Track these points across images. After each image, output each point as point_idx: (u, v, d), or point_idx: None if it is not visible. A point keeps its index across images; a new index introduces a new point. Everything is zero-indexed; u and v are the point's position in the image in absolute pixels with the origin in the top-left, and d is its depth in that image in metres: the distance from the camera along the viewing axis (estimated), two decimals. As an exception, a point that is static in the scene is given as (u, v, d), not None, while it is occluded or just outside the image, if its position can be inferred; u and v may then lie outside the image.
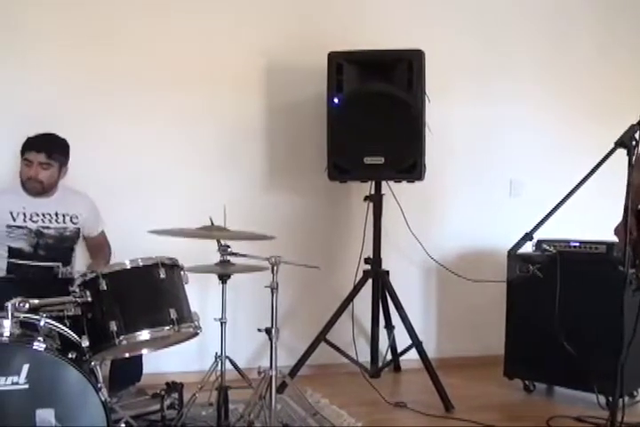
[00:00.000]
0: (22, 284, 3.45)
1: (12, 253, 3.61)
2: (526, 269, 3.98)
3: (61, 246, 3.71)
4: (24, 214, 3.62)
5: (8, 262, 3.62)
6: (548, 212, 3.96)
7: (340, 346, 4.18)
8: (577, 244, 3.93)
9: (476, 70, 4.75)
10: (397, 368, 4.54)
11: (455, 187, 4.75)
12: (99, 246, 3.91)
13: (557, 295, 3.78)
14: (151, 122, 4.20)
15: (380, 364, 4.31)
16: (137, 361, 3.51)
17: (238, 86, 4.36)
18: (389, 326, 4.35)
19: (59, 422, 2.52)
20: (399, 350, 4.33)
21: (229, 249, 3.27)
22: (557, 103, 4.89)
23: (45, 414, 2.51)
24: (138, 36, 4.18)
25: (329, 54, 4.00)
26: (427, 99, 3.97)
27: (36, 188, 3.64)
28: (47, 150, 3.61)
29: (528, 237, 3.96)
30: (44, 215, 3.66)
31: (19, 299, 2.65)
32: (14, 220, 3.60)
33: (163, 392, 3.20)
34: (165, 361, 3.94)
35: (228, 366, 3.34)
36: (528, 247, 4.03)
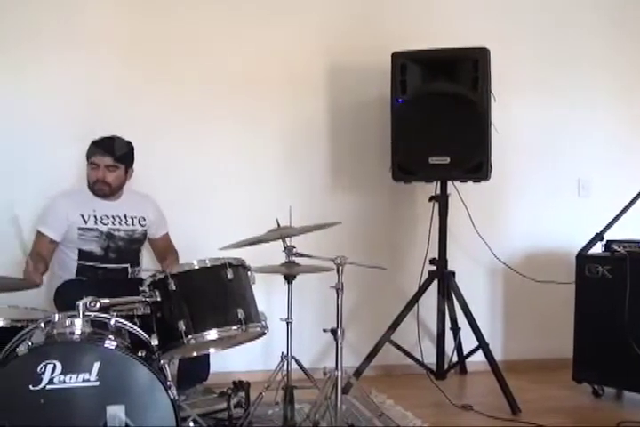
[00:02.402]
0: (93, 284, 3.52)
1: (83, 255, 3.68)
2: (595, 270, 3.91)
3: (131, 248, 3.77)
4: (95, 217, 3.68)
5: (78, 265, 3.68)
6: (618, 212, 3.91)
7: (405, 347, 4.17)
8: (647, 244, 3.84)
9: (543, 69, 4.66)
10: (463, 370, 4.50)
11: (522, 187, 4.68)
12: (164, 248, 3.96)
13: (627, 297, 3.70)
14: (215, 123, 4.25)
15: (446, 365, 4.27)
16: (204, 360, 3.56)
17: (301, 87, 4.38)
18: (455, 328, 4.30)
19: (128, 419, 2.56)
20: (465, 351, 4.29)
21: (295, 250, 3.29)
22: (625, 103, 4.79)
23: (116, 411, 2.56)
24: (200, 38, 4.23)
25: (392, 54, 3.98)
26: (492, 98, 3.92)
27: (104, 190, 3.70)
28: (113, 153, 3.66)
29: (599, 237, 3.91)
30: (113, 218, 3.72)
31: (89, 298, 2.70)
32: (86, 222, 3.67)
33: (230, 391, 3.22)
34: (232, 360, 3.99)
35: (294, 365, 3.36)
36: (597, 248, 3.97)
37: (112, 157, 3.66)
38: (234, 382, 3.32)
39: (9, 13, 3.98)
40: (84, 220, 3.66)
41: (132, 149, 3.76)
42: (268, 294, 3.87)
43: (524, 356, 4.62)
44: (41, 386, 2.50)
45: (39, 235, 3.69)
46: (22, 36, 3.99)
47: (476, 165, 3.92)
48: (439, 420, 3.61)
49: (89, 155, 3.70)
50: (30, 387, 2.50)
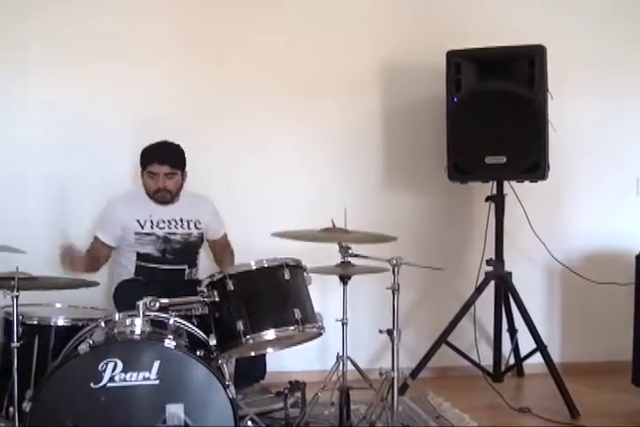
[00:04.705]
0: (152, 284, 3.56)
1: (141, 257, 3.74)
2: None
3: (187, 251, 3.81)
4: (151, 222, 3.73)
5: (137, 265, 3.74)
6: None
7: (461, 349, 4.15)
8: None
9: (600, 65, 4.57)
10: (520, 373, 4.43)
11: (579, 186, 4.60)
12: (222, 249, 3.99)
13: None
14: (270, 125, 4.26)
15: (503, 368, 4.22)
16: (261, 360, 3.59)
17: (356, 88, 4.37)
18: (512, 330, 4.25)
19: (187, 417, 2.59)
20: (522, 353, 4.24)
21: (350, 250, 3.28)
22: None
23: (175, 409, 2.59)
24: (255, 38, 4.25)
25: (447, 53, 3.96)
26: (549, 96, 3.87)
27: (166, 197, 3.74)
28: (169, 161, 3.70)
29: (661, 237, 3.84)
30: (169, 222, 3.76)
31: (149, 298, 2.74)
32: (142, 227, 3.72)
33: (286, 391, 3.23)
34: (288, 360, 3.99)
35: (350, 366, 3.35)
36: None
37: (169, 165, 3.70)
38: (290, 382, 3.32)
39: (62, 20, 4.07)
40: (141, 225, 3.72)
41: (183, 152, 3.78)
42: (323, 295, 3.86)
43: (582, 358, 4.54)
44: (102, 384, 2.55)
45: (96, 239, 3.78)
46: (79, 40, 4.06)
47: (532, 165, 3.87)
48: (496, 423, 3.58)
49: (145, 164, 3.73)
50: (91, 385, 2.55)
